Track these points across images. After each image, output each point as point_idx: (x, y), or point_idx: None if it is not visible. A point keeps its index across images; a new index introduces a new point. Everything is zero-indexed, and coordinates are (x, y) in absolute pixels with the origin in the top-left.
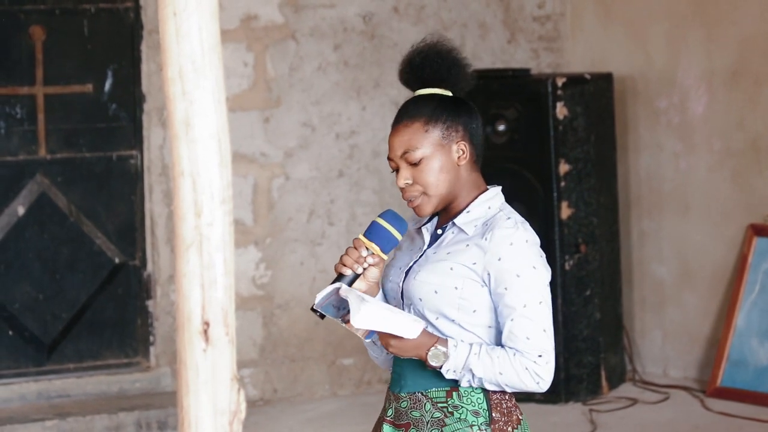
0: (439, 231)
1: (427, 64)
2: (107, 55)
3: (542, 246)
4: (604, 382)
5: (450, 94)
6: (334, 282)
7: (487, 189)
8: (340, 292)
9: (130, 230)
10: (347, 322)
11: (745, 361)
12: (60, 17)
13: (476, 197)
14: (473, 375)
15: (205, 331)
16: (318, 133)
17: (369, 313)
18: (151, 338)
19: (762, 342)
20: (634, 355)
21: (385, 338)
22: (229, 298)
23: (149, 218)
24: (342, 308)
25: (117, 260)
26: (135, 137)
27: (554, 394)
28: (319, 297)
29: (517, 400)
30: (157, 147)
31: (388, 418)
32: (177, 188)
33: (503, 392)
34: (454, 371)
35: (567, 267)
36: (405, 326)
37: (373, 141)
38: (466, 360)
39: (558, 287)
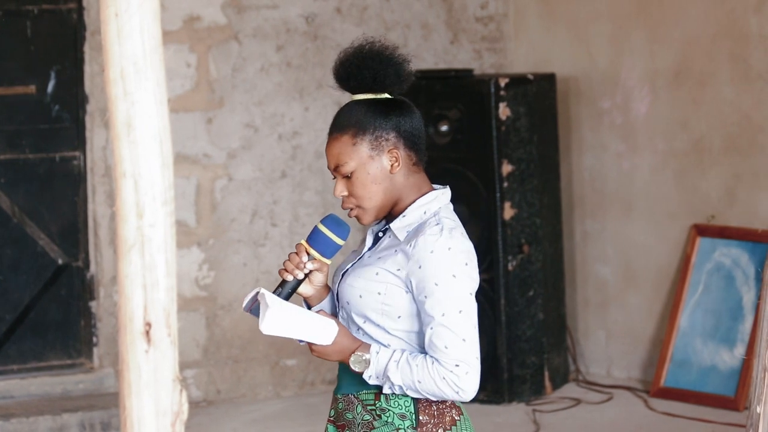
0: (380, 234)
1: (353, 72)
2: (50, 56)
3: (485, 247)
4: (547, 383)
5: (386, 96)
6: (278, 287)
7: (430, 191)
8: (258, 296)
9: (74, 231)
10: None
11: (688, 361)
12: (3, 18)
13: (414, 201)
14: (392, 383)
15: (147, 332)
16: (261, 134)
17: (274, 319)
18: (95, 339)
19: (705, 342)
20: (578, 355)
21: (308, 343)
22: (171, 300)
23: (92, 219)
24: None
25: (60, 261)
26: (78, 138)
27: (497, 395)
28: (245, 300)
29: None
30: (99, 148)
31: (330, 418)
32: (119, 189)
33: None
34: (377, 377)
35: (510, 267)
36: (316, 332)
37: (315, 142)
38: (386, 367)
39: (501, 288)
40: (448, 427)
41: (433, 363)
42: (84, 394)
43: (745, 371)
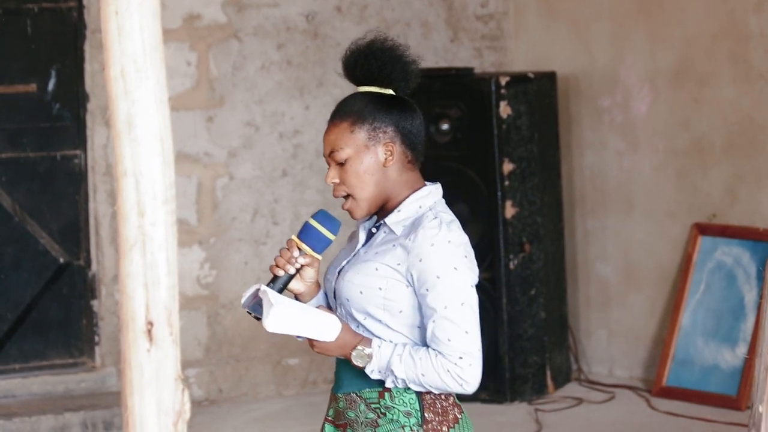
0: (374, 230)
1: (360, 63)
2: (51, 54)
3: (486, 245)
4: (549, 382)
5: (390, 92)
6: (269, 283)
7: (422, 187)
8: (259, 293)
9: (75, 230)
10: None
11: (690, 360)
12: (3, 17)
13: (408, 196)
14: (396, 376)
15: (149, 331)
16: (261, 132)
17: (279, 316)
18: (96, 338)
19: (707, 341)
20: (580, 354)
21: (309, 340)
22: (172, 298)
23: (93, 218)
24: None
25: (62, 260)
26: (79, 137)
27: (500, 394)
28: (244, 297)
29: (461, 400)
30: (100, 146)
31: (329, 418)
32: (120, 188)
33: (439, 392)
34: (379, 371)
35: (511, 266)
36: (321, 328)
37: (316, 140)
38: (389, 361)
39: (503, 287)
40: (452, 425)
41: (436, 356)
42: (86, 393)
43: (747, 370)
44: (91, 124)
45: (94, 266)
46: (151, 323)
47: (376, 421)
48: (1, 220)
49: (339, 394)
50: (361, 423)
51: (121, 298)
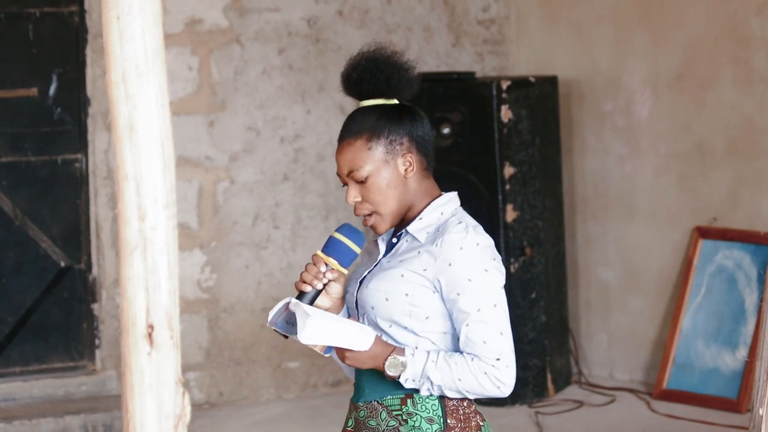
0: (394, 240)
1: (366, 77)
2: (52, 59)
3: None
4: (549, 385)
5: (395, 101)
6: (296, 299)
7: (441, 195)
8: (290, 306)
9: (76, 234)
10: None
11: (690, 363)
12: (5, 21)
13: (428, 204)
14: (432, 383)
15: (150, 335)
16: (263, 136)
17: (315, 328)
18: (97, 341)
19: (708, 344)
20: (580, 358)
21: (340, 351)
22: (173, 302)
23: (94, 222)
24: (296, 324)
25: (62, 264)
26: (80, 141)
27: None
28: (271, 314)
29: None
30: (102, 151)
31: (349, 429)
32: (121, 192)
33: (461, 398)
34: (413, 380)
35: (512, 270)
36: (355, 338)
37: (317, 145)
38: (424, 368)
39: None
40: None
41: (473, 359)
42: (86, 397)
43: (747, 373)
44: (92, 129)
45: (94, 270)
46: (151, 327)
47: (398, 429)
48: (2, 224)
49: (360, 403)
50: (383, 431)
51: (121, 301)
